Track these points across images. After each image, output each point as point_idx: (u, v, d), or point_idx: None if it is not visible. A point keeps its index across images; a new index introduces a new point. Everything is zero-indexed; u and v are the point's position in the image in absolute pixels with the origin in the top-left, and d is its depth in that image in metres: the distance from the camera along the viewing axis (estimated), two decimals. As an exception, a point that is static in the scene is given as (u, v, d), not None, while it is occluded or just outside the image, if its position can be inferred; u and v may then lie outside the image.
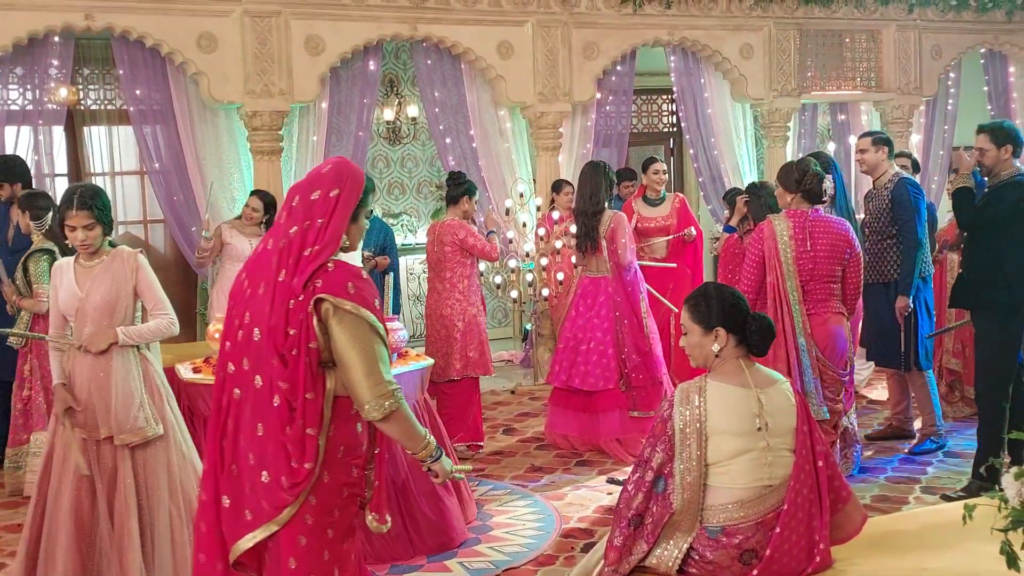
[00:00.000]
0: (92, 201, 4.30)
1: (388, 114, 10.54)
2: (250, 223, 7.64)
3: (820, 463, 3.46)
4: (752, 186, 7.64)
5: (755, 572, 3.31)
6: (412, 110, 10.57)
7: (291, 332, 2.97)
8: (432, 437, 3.17)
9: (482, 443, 7.19)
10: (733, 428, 3.40)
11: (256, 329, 3.01)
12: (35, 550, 4.34)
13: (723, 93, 10.70)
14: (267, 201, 7.66)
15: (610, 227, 6.96)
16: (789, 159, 10.27)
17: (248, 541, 3.04)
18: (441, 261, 7.09)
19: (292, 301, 2.98)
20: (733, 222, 7.39)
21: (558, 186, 8.92)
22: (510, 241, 9.33)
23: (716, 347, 3.52)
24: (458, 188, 7.17)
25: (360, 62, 9.12)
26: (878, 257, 6.67)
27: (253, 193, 7.78)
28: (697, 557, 3.37)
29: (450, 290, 7.06)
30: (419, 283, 10.57)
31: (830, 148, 11.39)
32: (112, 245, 4.50)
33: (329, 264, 3.03)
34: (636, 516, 3.42)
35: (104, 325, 4.32)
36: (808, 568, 3.36)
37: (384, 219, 9.54)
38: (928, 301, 6.76)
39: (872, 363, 7.67)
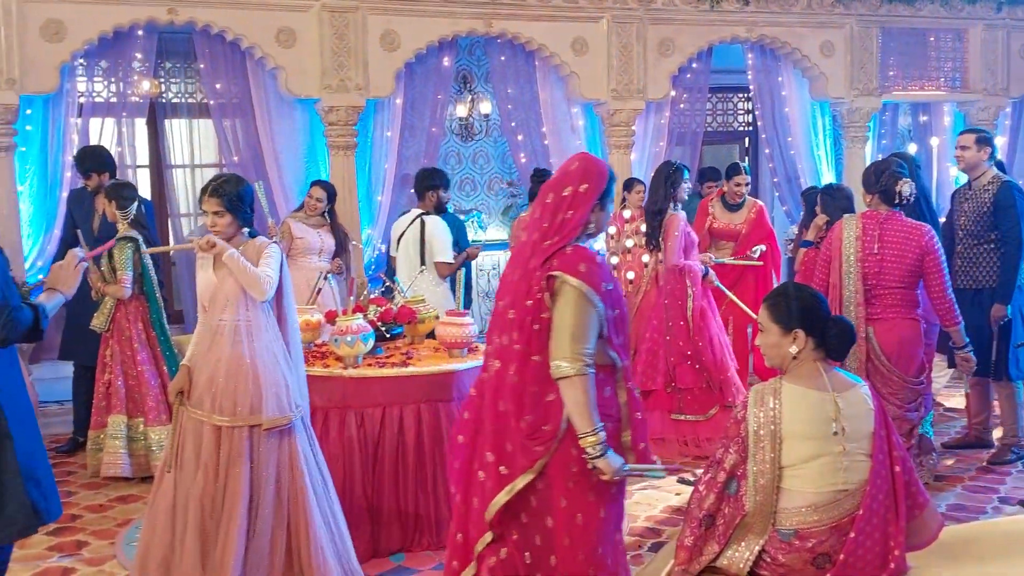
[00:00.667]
0: (223, 189, 4.40)
1: (461, 110, 10.56)
2: (313, 213, 7.69)
3: (897, 468, 3.41)
4: (828, 187, 7.50)
5: (828, 576, 3.26)
6: (485, 106, 10.58)
7: (528, 303, 3.41)
8: (603, 432, 3.29)
9: None
10: (808, 431, 3.35)
11: (511, 311, 3.46)
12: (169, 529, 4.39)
13: (802, 92, 10.56)
14: (329, 191, 7.74)
15: (664, 227, 6.97)
16: (868, 160, 10.11)
17: (504, 495, 3.36)
18: None
19: (533, 280, 3.45)
20: (810, 236, 7.15)
21: (629, 184, 8.85)
22: None
23: (794, 349, 3.47)
24: (542, 184, 7.10)
25: (435, 58, 9.17)
26: (971, 262, 6.48)
27: (315, 183, 7.84)
28: (769, 559, 3.33)
29: None
30: (488, 279, 10.58)
31: (911, 150, 11.16)
32: (252, 236, 4.56)
33: (568, 248, 3.42)
34: (707, 516, 3.39)
35: (234, 313, 4.37)
36: (883, 574, 3.31)
37: (455, 215, 9.56)
38: (1022, 309, 6.56)
39: (951, 370, 7.50)
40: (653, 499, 6.04)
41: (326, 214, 7.69)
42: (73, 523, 5.80)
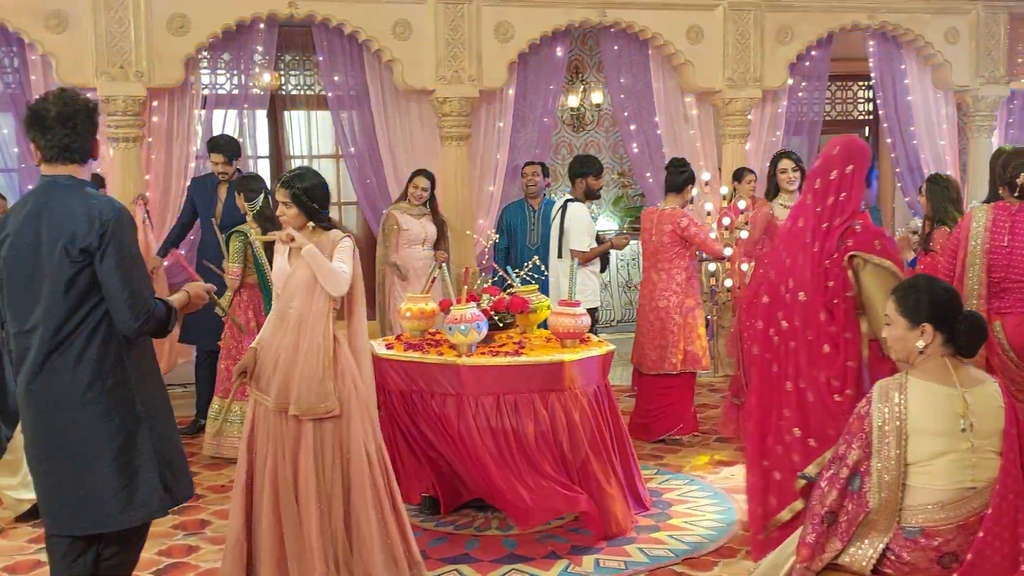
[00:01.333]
0: (292, 183, 4.46)
1: (572, 100, 10.56)
2: (417, 202, 7.78)
3: (1029, 466, 3.30)
4: (934, 177, 7.04)
5: (955, 576, 3.17)
6: (596, 96, 10.55)
7: (829, 285, 3.68)
8: None
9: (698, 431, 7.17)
10: (935, 427, 3.26)
11: (801, 292, 3.74)
12: (247, 515, 4.47)
13: (924, 80, 10.25)
14: (432, 180, 7.84)
15: None
16: (994, 150, 9.76)
17: (814, 467, 3.62)
18: (658, 251, 6.95)
19: (827, 261, 3.71)
20: (906, 255, 6.73)
21: (739, 174, 8.74)
22: (707, 213, 9.20)
23: (921, 344, 3.36)
24: (682, 175, 7.02)
25: (547, 48, 9.17)
26: None
27: (418, 172, 7.90)
28: (893, 558, 3.25)
29: (667, 281, 6.94)
30: (628, 270, 10.57)
31: (1040, 139, 10.75)
32: (327, 229, 4.58)
33: (856, 226, 3.69)
34: (829, 513, 3.33)
35: (306, 303, 4.42)
36: (1013, 576, 3.21)
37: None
38: None
39: None
40: (767, 494, 5.95)
41: (427, 203, 7.78)
42: (197, 503, 5.96)
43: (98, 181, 7.39)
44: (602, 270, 7.73)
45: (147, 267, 5.34)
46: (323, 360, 4.39)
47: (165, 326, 3.50)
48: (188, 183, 8.07)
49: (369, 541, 4.40)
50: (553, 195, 9.35)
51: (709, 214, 9.01)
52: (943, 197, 6.42)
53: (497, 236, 7.86)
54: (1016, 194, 5.28)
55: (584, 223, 7.37)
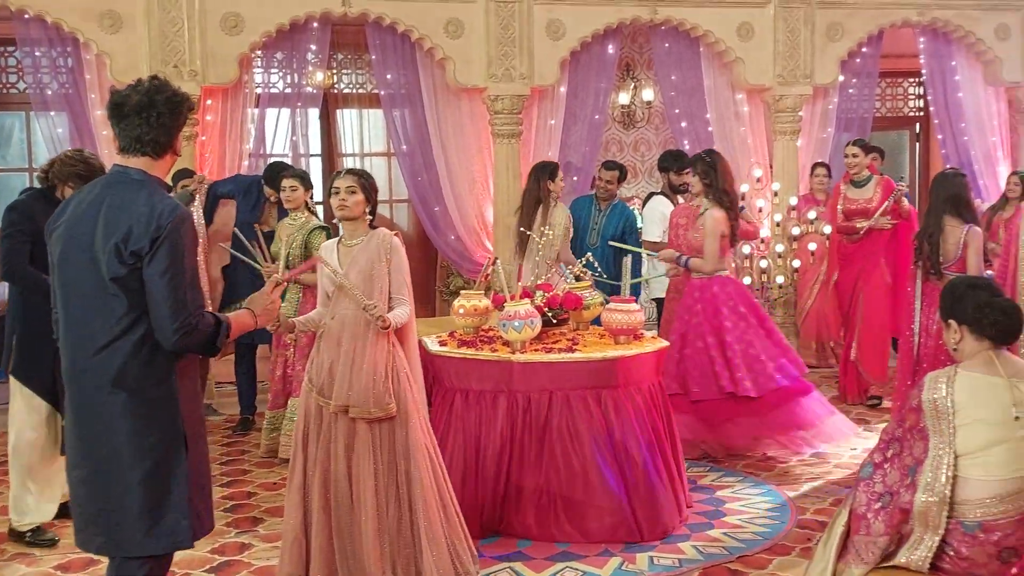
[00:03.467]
0: (360, 171, 4.60)
1: (623, 98, 10.56)
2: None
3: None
4: (939, 174, 6.85)
5: (1015, 571, 3.18)
6: (647, 94, 10.55)
7: None
8: None
9: None
10: (985, 416, 3.29)
11: None
12: (304, 516, 4.50)
13: (975, 76, 10.16)
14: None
15: None
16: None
17: None
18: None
19: None
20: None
21: (813, 168, 8.86)
22: (759, 209, 9.20)
23: (953, 341, 3.49)
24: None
25: (599, 46, 9.19)
26: None
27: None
28: (952, 553, 3.27)
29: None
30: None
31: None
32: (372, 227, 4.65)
33: None
34: (887, 493, 3.36)
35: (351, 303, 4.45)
36: (1073, 572, 3.21)
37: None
38: None
39: None
40: (822, 492, 5.95)
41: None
42: (249, 500, 6.06)
43: (185, 175, 7.38)
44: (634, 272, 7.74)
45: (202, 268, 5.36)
46: (381, 361, 4.43)
47: (213, 343, 3.23)
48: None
49: (437, 539, 4.44)
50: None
51: (761, 210, 8.98)
52: (939, 196, 6.35)
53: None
54: None
55: (656, 215, 7.53)
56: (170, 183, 7.06)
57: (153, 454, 3.18)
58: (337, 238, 4.68)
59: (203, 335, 3.18)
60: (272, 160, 8.04)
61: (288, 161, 8.14)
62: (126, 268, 3.11)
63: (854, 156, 8.01)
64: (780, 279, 8.59)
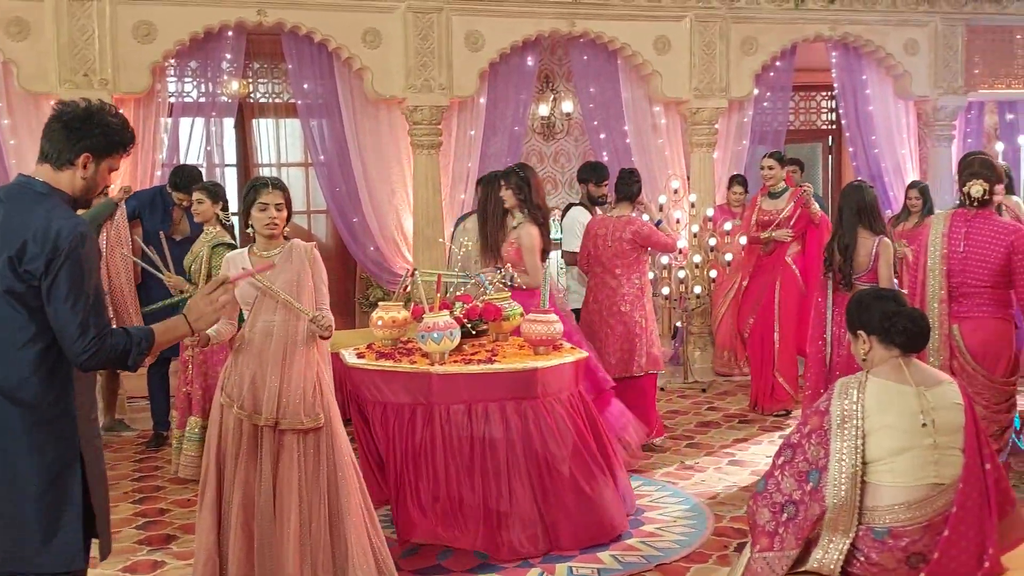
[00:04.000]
0: (282, 184, 4.51)
1: (543, 109, 10.61)
2: None
3: (988, 466, 3.40)
4: (847, 187, 7.00)
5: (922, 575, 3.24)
6: (567, 105, 10.62)
7: None
8: None
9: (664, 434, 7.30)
10: (894, 424, 3.35)
11: None
12: (217, 530, 4.44)
13: (885, 90, 10.42)
14: None
15: None
16: (954, 160, 9.93)
17: None
18: (615, 257, 7.02)
19: None
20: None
21: (731, 182, 9.00)
22: (676, 221, 9.28)
23: (863, 351, 3.54)
24: (635, 184, 7.17)
25: (518, 58, 9.23)
26: None
27: None
28: (862, 558, 3.32)
29: (627, 286, 7.02)
30: (572, 276, 10.61)
31: (997, 149, 10.92)
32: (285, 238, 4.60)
33: None
34: (790, 503, 3.38)
35: (286, 315, 4.38)
36: (977, 573, 3.28)
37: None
38: None
39: None
40: (738, 499, 6.02)
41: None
42: (162, 517, 5.94)
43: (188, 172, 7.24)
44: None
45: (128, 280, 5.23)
46: (312, 372, 4.40)
47: (125, 360, 3.13)
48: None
49: (364, 548, 4.44)
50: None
51: (678, 221, 9.09)
52: (846, 206, 6.40)
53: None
54: (970, 203, 5.39)
55: (574, 224, 7.65)
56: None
57: (50, 471, 3.08)
58: (246, 248, 4.58)
59: (113, 353, 3.08)
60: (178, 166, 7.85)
61: (203, 171, 7.98)
62: (22, 284, 3.01)
63: (770, 168, 8.16)
64: (698, 289, 8.69)
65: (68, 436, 3.11)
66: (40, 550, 3.09)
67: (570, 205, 8.09)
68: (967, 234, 5.36)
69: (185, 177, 7.19)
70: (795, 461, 3.45)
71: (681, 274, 8.79)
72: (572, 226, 7.86)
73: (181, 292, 6.30)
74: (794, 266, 7.98)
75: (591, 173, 8.01)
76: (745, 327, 8.22)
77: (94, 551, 3.28)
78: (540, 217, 6.39)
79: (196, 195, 6.54)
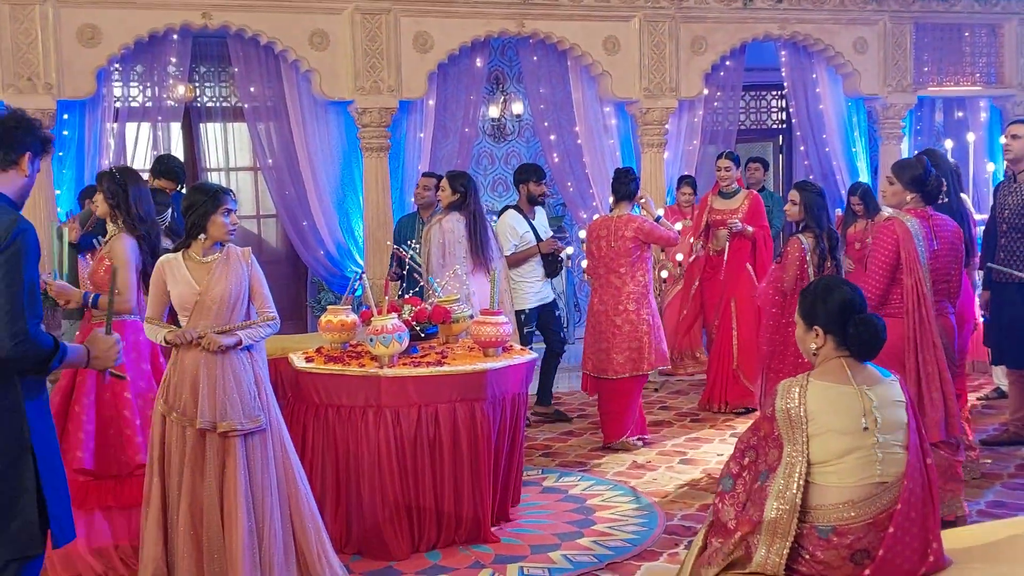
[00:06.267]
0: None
1: (493, 111, 10.59)
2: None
3: (929, 460, 3.41)
4: (802, 183, 7.01)
5: (867, 572, 3.24)
6: (517, 107, 10.60)
7: None
8: None
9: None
10: (837, 426, 3.34)
11: None
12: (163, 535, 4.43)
13: (835, 89, 10.50)
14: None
15: None
16: (904, 157, 10.03)
17: None
18: (618, 256, 6.98)
19: None
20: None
21: (679, 182, 8.99)
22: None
23: (813, 346, 3.50)
24: (632, 182, 7.13)
25: (467, 59, 9.20)
26: (1015, 256, 6.42)
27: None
28: (808, 557, 3.31)
29: (631, 284, 6.99)
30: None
31: (947, 146, 11.04)
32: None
33: None
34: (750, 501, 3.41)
35: (223, 320, 4.39)
36: (922, 568, 3.30)
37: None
38: None
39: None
40: (689, 497, 6.02)
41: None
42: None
43: (89, 193, 6.89)
44: (551, 275, 7.83)
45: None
46: (245, 373, 4.39)
47: (46, 363, 3.20)
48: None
49: (312, 550, 4.46)
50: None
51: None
52: (820, 205, 6.50)
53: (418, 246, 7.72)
54: (940, 200, 5.39)
55: (505, 227, 7.59)
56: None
57: (0, 463, 3.16)
58: (179, 252, 4.54)
59: (39, 349, 3.16)
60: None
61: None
62: None
63: (726, 169, 8.18)
64: (664, 273, 8.75)
65: (17, 430, 3.19)
66: None
67: (505, 207, 7.93)
68: (937, 233, 5.33)
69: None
70: (758, 462, 3.45)
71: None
72: (504, 230, 7.63)
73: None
74: (752, 271, 7.99)
75: (530, 173, 7.83)
76: (712, 327, 8.22)
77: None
78: (143, 229, 5.23)
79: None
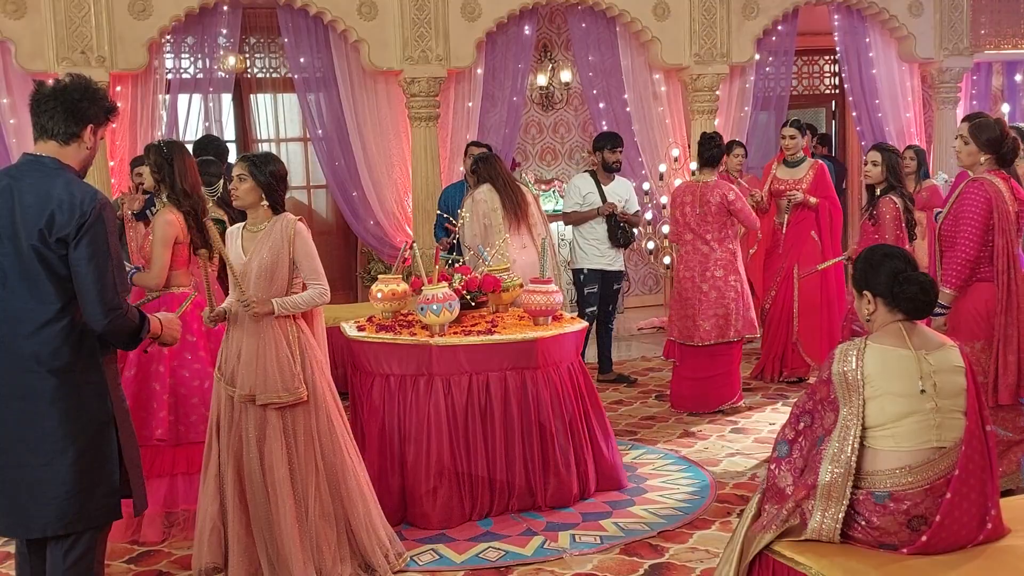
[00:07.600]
0: (251, 157, 4.48)
1: (541, 79, 10.54)
2: None
3: (988, 427, 3.36)
4: (887, 146, 6.94)
5: (924, 538, 3.21)
6: (565, 75, 10.54)
7: None
8: None
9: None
10: (895, 389, 3.30)
11: None
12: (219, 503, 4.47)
13: (889, 53, 10.32)
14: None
15: None
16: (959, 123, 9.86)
17: None
18: (705, 221, 6.96)
19: None
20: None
21: (729, 147, 8.79)
22: (663, 207, 9.23)
23: (867, 312, 3.49)
24: (716, 148, 7.09)
25: (515, 27, 9.15)
26: None
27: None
28: (863, 522, 3.29)
29: (720, 250, 6.98)
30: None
31: (1004, 110, 10.83)
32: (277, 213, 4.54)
33: None
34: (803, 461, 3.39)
35: (263, 290, 4.39)
36: (979, 536, 3.26)
37: (535, 185, 9.57)
38: None
39: None
40: (740, 466, 6.00)
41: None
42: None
43: (139, 163, 6.90)
44: (618, 243, 7.80)
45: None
46: (285, 346, 4.39)
47: (136, 335, 3.36)
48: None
49: (362, 522, 4.48)
50: (524, 174, 9.42)
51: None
52: (897, 167, 6.44)
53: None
54: (1002, 163, 5.22)
55: (571, 186, 7.88)
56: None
57: (86, 432, 3.29)
58: (243, 223, 4.59)
59: (130, 322, 3.31)
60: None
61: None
62: (53, 255, 3.20)
63: (791, 138, 7.96)
64: (668, 260, 8.72)
65: (101, 402, 3.34)
66: (80, 511, 3.31)
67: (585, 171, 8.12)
68: (1016, 196, 5.20)
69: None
70: (814, 427, 3.44)
71: (651, 245, 8.81)
72: (569, 188, 7.90)
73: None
74: (818, 239, 7.86)
75: (606, 140, 7.88)
76: (767, 298, 8.12)
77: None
78: (187, 205, 5.23)
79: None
